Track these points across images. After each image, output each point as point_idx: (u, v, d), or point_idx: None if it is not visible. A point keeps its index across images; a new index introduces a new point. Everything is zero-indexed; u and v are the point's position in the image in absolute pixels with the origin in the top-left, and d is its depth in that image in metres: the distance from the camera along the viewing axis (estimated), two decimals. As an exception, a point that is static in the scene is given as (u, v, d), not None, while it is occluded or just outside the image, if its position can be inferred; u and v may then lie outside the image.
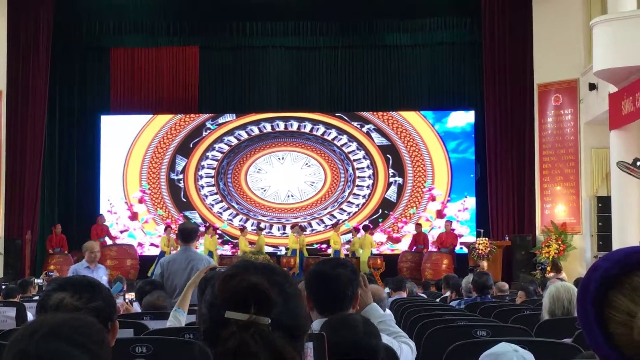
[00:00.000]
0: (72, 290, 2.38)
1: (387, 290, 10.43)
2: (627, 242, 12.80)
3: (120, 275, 12.35)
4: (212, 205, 19.36)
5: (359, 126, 19.27)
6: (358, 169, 19.32)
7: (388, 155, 19.17)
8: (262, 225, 19.10)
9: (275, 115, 19.47)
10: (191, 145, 19.40)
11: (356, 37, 19.68)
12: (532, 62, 17.29)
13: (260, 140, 19.48)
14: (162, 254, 17.44)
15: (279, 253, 18.44)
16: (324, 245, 18.78)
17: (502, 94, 17.70)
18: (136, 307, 6.65)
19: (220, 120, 19.44)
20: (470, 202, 18.89)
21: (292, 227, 18.41)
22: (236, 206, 19.32)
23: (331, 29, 19.68)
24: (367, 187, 19.27)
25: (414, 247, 18.11)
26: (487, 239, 16.70)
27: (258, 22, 19.61)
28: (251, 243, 18.16)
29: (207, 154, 19.43)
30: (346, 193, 19.29)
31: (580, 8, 16.32)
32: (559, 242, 16.40)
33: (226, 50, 19.89)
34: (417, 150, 19.15)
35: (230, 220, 19.23)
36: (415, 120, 19.22)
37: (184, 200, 19.30)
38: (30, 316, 6.29)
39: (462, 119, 19.18)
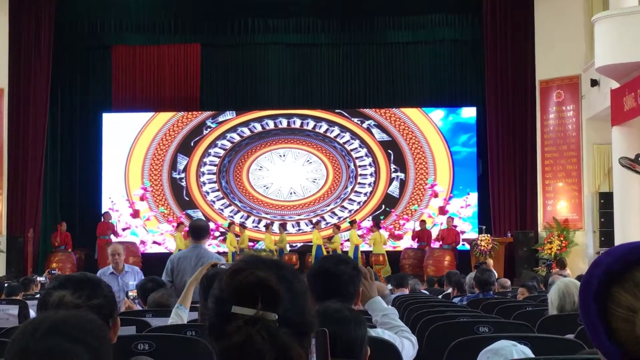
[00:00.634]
0: (72, 288, 2.38)
1: (389, 287, 10.44)
2: (629, 238, 12.78)
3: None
4: (216, 205, 19.34)
5: (359, 122, 19.26)
6: (360, 166, 19.31)
7: (389, 151, 19.17)
8: (264, 222, 19.10)
9: (276, 112, 19.47)
10: (192, 144, 19.39)
11: (358, 34, 19.68)
12: (534, 59, 17.27)
13: (260, 138, 19.48)
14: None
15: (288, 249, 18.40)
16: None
17: (503, 91, 17.69)
18: (138, 305, 6.66)
19: (221, 118, 19.43)
20: (473, 198, 18.88)
21: (315, 224, 18.39)
22: (239, 204, 19.32)
23: (332, 26, 19.68)
24: (369, 184, 19.26)
25: (416, 240, 18.10)
26: (489, 235, 16.69)
27: (259, 19, 19.61)
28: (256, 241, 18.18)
29: (209, 152, 19.42)
30: (349, 189, 19.29)
31: (581, 4, 16.30)
32: (561, 239, 16.39)
33: (228, 48, 19.89)
34: (418, 146, 19.14)
35: (232, 217, 19.22)
36: (416, 116, 19.21)
37: (187, 199, 19.30)
38: (32, 314, 6.29)
39: (463, 116, 19.18)
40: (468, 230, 18.50)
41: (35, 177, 17.89)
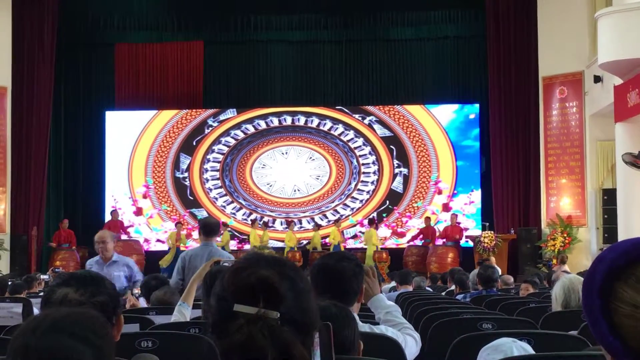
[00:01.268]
0: (76, 285, 2.38)
1: (393, 283, 10.45)
2: (632, 234, 12.76)
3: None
4: (218, 199, 19.36)
5: (360, 118, 19.26)
6: (364, 164, 19.30)
7: (392, 147, 19.17)
8: (265, 219, 19.11)
9: (279, 110, 19.46)
10: (194, 143, 19.40)
11: (360, 31, 19.67)
12: (537, 55, 17.25)
13: (262, 136, 19.48)
14: (177, 249, 17.47)
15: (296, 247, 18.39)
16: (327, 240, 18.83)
17: (506, 87, 17.67)
18: (142, 302, 6.66)
19: (222, 117, 19.43)
20: (476, 195, 18.87)
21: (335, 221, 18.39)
22: (243, 202, 19.33)
23: (335, 23, 19.67)
24: (372, 182, 19.25)
25: (421, 238, 18.09)
26: (492, 232, 16.68)
27: (262, 17, 19.61)
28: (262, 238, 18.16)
29: (211, 150, 19.43)
30: (352, 185, 19.30)
31: (585, 0, 16.27)
32: (565, 235, 16.38)
33: (231, 45, 19.89)
34: (420, 141, 19.14)
35: (234, 214, 19.22)
36: (419, 113, 19.20)
37: (191, 198, 19.31)
38: (36, 312, 6.30)
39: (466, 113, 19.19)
40: (472, 227, 18.48)
41: (39, 175, 17.91)
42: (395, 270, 13.28)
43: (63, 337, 1.55)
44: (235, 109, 19.49)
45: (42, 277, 11.69)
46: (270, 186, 19.39)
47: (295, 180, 19.35)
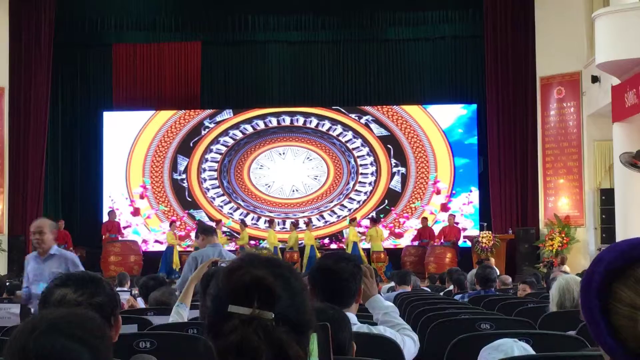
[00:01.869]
0: (74, 286, 2.38)
1: (391, 284, 10.44)
2: (630, 235, 12.77)
3: (123, 271, 12.36)
4: (217, 203, 19.33)
5: (357, 118, 19.26)
6: (361, 165, 19.29)
7: (389, 146, 19.17)
8: (271, 220, 19.09)
9: (274, 110, 19.43)
10: (191, 145, 19.38)
11: (358, 31, 19.66)
12: (535, 55, 17.26)
13: (259, 137, 19.47)
14: (171, 249, 17.50)
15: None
16: (326, 240, 18.80)
17: (504, 87, 17.67)
18: (140, 303, 6.66)
19: (218, 118, 19.41)
20: (475, 195, 18.88)
21: (306, 224, 18.35)
22: (242, 204, 19.31)
23: (333, 23, 19.66)
24: (369, 184, 19.25)
25: (419, 241, 18.11)
26: (490, 232, 16.68)
27: (260, 17, 19.60)
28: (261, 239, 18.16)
29: (208, 152, 19.41)
30: (351, 185, 19.30)
31: (582, 0, 16.28)
32: (563, 235, 16.39)
33: (228, 46, 19.88)
34: (417, 140, 19.13)
35: (231, 214, 19.20)
36: (416, 113, 19.20)
37: (189, 199, 19.29)
38: (33, 313, 6.29)
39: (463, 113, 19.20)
40: (470, 227, 18.49)
41: (36, 176, 17.89)
42: (394, 270, 13.28)
43: (60, 338, 1.55)
44: (231, 110, 19.47)
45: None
46: (269, 187, 19.38)
47: (293, 180, 19.35)
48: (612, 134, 14.15)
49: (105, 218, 18.55)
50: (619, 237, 13.55)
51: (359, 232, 18.06)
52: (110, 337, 1.69)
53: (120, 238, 18.06)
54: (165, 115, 19.47)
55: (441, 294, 9.13)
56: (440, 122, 19.11)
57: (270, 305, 1.50)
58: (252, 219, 19.21)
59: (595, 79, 15.32)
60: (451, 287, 9.32)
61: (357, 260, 3.33)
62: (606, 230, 15.60)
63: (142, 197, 19.31)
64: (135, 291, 9.04)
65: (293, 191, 19.35)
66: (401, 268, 16.02)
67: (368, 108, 19.33)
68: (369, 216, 18.75)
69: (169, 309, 4.62)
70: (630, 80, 13.13)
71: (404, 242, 18.71)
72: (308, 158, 19.41)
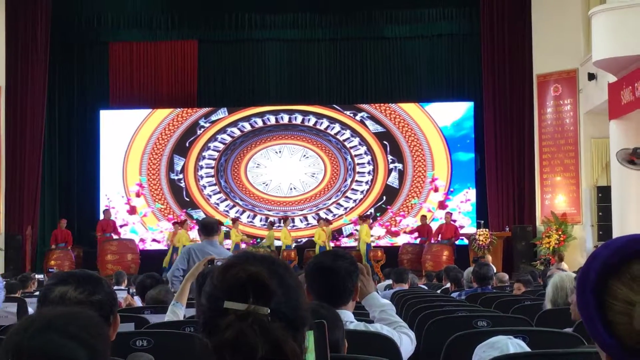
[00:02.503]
0: (74, 284, 2.38)
1: (388, 281, 10.44)
2: (627, 232, 12.75)
3: (121, 269, 12.34)
4: (215, 201, 19.32)
5: (352, 115, 19.26)
6: (359, 163, 19.28)
7: (385, 142, 19.17)
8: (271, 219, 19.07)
9: (272, 108, 19.42)
10: (187, 145, 19.37)
11: (355, 29, 19.66)
12: (531, 53, 17.27)
13: (254, 136, 19.46)
14: (175, 249, 17.41)
15: (293, 245, 18.31)
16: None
17: (501, 85, 17.69)
18: (137, 301, 6.66)
19: (213, 117, 19.40)
20: (471, 193, 18.89)
21: (318, 221, 18.29)
22: (240, 202, 19.30)
23: (330, 21, 19.65)
24: (366, 183, 19.25)
25: (416, 237, 18.12)
26: (487, 230, 16.69)
27: (257, 15, 19.59)
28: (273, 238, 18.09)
29: (204, 152, 19.39)
30: (348, 182, 19.30)
31: (579, -2, 16.29)
32: (560, 233, 16.40)
33: (225, 44, 19.87)
34: (414, 136, 19.12)
35: (238, 217, 19.17)
36: (412, 110, 19.20)
37: (187, 199, 19.28)
38: (31, 312, 6.28)
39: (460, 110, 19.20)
40: (467, 224, 18.50)
41: (33, 174, 17.88)
42: (390, 268, 13.27)
43: (55, 336, 1.55)
44: (226, 109, 19.43)
45: (36, 276, 11.66)
46: (266, 185, 19.38)
47: (290, 178, 19.34)
48: (608, 132, 14.17)
49: (102, 216, 18.53)
50: (616, 234, 13.56)
51: (356, 230, 18.06)
52: (107, 336, 1.69)
53: (114, 237, 18.02)
54: (162, 113, 19.46)
55: (438, 291, 9.13)
56: (437, 119, 19.11)
57: (265, 301, 1.51)
58: (248, 217, 19.20)
59: (591, 77, 15.33)
60: (448, 285, 9.33)
61: (354, 258, 3.33)
62: (603, 227, 15.62)
63: (138, 195, 19.30)
64: (133, 290, 9.04)
65: (291, 189, 19.35)
66: (398, 266, 16.01)
67: (364, 105, 19.34)
68: (362, 215, 18.75)
69: (166, 308, 4.61)
70: (626, 77, 13.14)
71: (401, 240, 18.71)
72: (304, 156, 19.41)
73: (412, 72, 19.67)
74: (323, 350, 1.68)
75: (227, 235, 17.48)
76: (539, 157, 17.25)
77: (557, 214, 16.68)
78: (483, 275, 7.42)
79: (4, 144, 17.45)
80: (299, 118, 19.40)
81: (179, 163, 19.36)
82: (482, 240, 16.22)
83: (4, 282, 6.41)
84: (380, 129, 19.18)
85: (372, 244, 17.82)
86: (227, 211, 19.19)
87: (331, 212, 19.19)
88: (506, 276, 9.50)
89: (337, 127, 19.30)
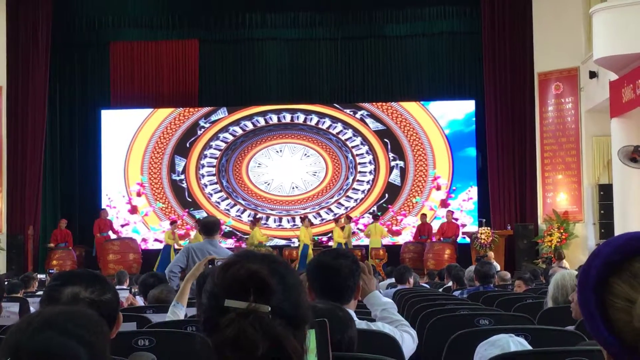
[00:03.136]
0: (84, 284, 2.38)
1: (391, 280, 10.44)
2: (629, 230, 12.63)
3: (122, 269, 12.34)
4: (217, 201, 19.32)
5: (351, 113, 19.25)
6: (360, 161, 19.28)
7: (385, 140, 19.17)
8: (267, 218, 19.08)
9: (272, 107, 19.42)
10: (188, 145, 19.37)
11: (356, 28, 19.65)
12: (532, 51, 17.26)
13: (255, 135, 19.45)
14: (167, 247, 17.45)
15: (292, 245, 18.32)
16: (324, 238, 18.79)
17: (502, 83, 17.68)
18: (139, 301, 6.66)
19: (213, 117, 19.40)
20: (474, 191, 18.89)
21: (302, 220, 18.27)
22: (243, 202, 19.30)
23: (330, 20, 19.64)
24: (368, 182, 19.25)
25: (418, 237, 18.12)
26: (489, 228, 16.68)
27: (257, 14, 19.58)
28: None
29: (206, 150, 19.40)
30: (350, 180, 19.30)
31: (580, -4, 16.28)
32: (561, 231, 16.40)
33: (226, 43, 19.86)
34: (415, 134, 19.12)
35: (239, 216, 19.18)
36: (413, 109, 19.19)
37: (189, 200, 19.28)
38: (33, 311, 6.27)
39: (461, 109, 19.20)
40: (469, 223, 18.49)
41: (35, 174, 17.88)
42: (392, 267, 13.26)
43: (54, 335, 1.55)
44: (225, 109, 19.42)
45: (38, 276, 11.67)
46: (268, 185, 19.38)
47: (292, 177, 19.35)
48: (610, 130, 14.16)
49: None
50: (618, 232, 13.55)
51: (359, 230, 18.07)
52: (107, 334, 1.68)
53: (112, 236, 18.02)
54: (163, 113, 19.46)
55: (440, 290, 9.13)
56: (438, 118, 19.11)
57: (266, 299, 1.51)
58: (249, 216, 19.20)
59: (593, 75, 15.33)
60: (450, 283, 9.32)
61: (355, 257, 3.33)
62: (605, 225, 15.61)
63: (139, 194, 19.30)
64: (135, 289, 9.05)
65: (293, 188, 19.35)
66: (400, 264, 16.00)
67: (365, 104, 19.34)
68: (370, 211, 18.78)
69: (168, 307, 4.62)
70: (627, 75, 13.13)
71: (402, 239, 18.71)
72: (305, 154, 19.41)
73: (413, 70, 19.65)
74: (325, 349, 1.68)
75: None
76: (541, 155, 17.24)
77: (558, 212, 16.68)
78: (485, 274, 7.42)
79: (6, 144, 17.47)
80: (301, 117, 19.40)
81: (180, 164, 19.36)
82: (484, 239, 16.21)
83: None
84: (380, 126, 19.18)
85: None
86: (228, 210, 19.19)
87: (333, 210, 19.19)
88: (508, 274, 9.48)
89: (340, 127, 19.30)
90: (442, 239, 17.57)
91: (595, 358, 2.59)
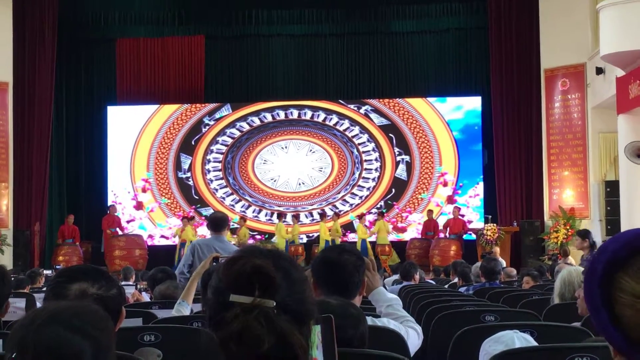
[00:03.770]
0: (91, 280, 2.39)
1: (396, 277, 10.44)
2: (635, 226, 12.65)
3: (128, 265, 12.36)
4: (224, 199, 19.33)
5: (356, 108, 19.24)
6: (366, 160, 19.28)
7: (390, 135, 19.16)
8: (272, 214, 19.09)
9: (278, 104, 19.44)
10: (193, 143, 19.38)
11: (362, 24, 19.64)
12: (539, 47, 17.23)
13: (259, 132, 19.46)
14: (183, 245, 17.44)
15: (300, 241, 18.32)
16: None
17: (508, 80, 17.65)
18: (145, 297, 6.67)
19: (217, 115, 19.40)
20: (480, 188, 18.87)
21: (321, 217, 18.31)
22: (250, 199, 19.31)
23: (336, 17, 19.64)
24: (374, 178, 19.25)
25: (425, 234, 18.11)
26: (495, 224, 16.67)
27: (263, 11, 19.60)
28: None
29: (211, 149, 19.40)
30: (356, 175, 19.30)
31: (586, -8, 16.24)
32: (567, 227, 16.37)
33: (232, 40, 19.88)
34: (420, 129, 19.11)
35: (244, 211, 19.19)
36: (419, 105, 19.18)
37: (196, 197, 19.30)
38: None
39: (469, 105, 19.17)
40: (476, 219, 18.48)
41: (41, 170, 17.92)
42: (398, 263, 13.27)
43: (60, 330, 1.55)
44: (229, 106, 19.42)
45: (45, 272, 11.69)
46: (275, 181, 19.39)
47: (298, 173, 19.36)
48: (616, 126, 14.13)
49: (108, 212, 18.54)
50: (624, 228, 13.42)
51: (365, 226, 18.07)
52: (112, 329, 1.69)
53: (120, 232, 18.04)
54: (169, 109, 19.49)
55: (446, 286, 9.12)
56: (444, 114, 19.09)
57: (271, 294, 1.51)
58: (262, 214, 19.23)
59: (599, 71, 15.29)
60: (456, 280, 9.31)
61: (360, 253, 3.33)
62: (611, 222, 15.58)
63: (144, 190, 19.32)
64: (140, 285, 9.07)
65: (300, 184, 19.36)
66: (406, 260, 16.00)
67: (369, 100, 19.33)
68: (377, 207, 18.78)
69: (174, 303, 4.62)
70: (634, 71, 13.10)
71: (407, 236, 18.70)
72: (311, 150, 19.41)
73: (419, 67, 19.64)
74: (331, 344, 1.67)
75: (233, 232, 17.49)
76: (547, 151, 17.21)
77: (565, 209, 16.65)
78: (491, 270, 7.42)
79: (12, 140, 17.50)
80: (309, 114, 19.40)
81: (186, 162, 19.38)
82: (490, 235, 16.20)
83: None
84: (385, 121, 19.17)
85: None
86: (232, 205, 19.20)
87: (336, 207, 19.19)
88: (514, 271, 9.49)
89: (347, 124, 19.29)
90: (448, 235, 17.56)
91: (602, 354, 2.59)
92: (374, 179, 19.27)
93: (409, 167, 19.13)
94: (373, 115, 19.21)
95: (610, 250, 1.44)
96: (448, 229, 17.68)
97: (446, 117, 19.07)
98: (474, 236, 17.22)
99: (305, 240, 18.48)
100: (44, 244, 17.90)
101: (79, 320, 1.59)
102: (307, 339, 1.56)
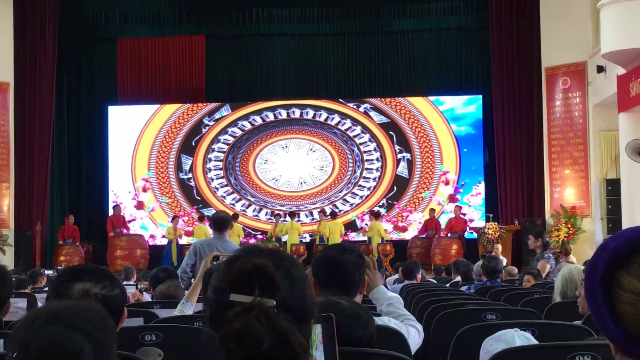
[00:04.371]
0: (94, 280, 2.39)
1: (397, 276, 10.44)
2: (636, 224, 12.65)
3: (130, 265, 12.37)
4: (223, 196, 19.33)
5: (355, 106, 19.23)
6: (367, 159, 19.27)
7: (391, 132, 19.15)
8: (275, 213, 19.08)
9: (278, 103, 19.42)
10: (193, 144, 19.38)
11: (362, 23, 19.63)
12: (540, 46, 17.21)
13: (259, 132, 19.45)
14: (169, 242, 17.48)
15: (303, 240, 18.30)
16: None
17: (509, 78, 17.64)
18: (146, 297, 6.67)
19: (217, 115, 19.40)
20: (482, 187, 18.86)
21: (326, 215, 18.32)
22: (252, 199, 19.31)
23: (337, 16, 19.63)
24: (376, 175, 19.24)
25: (425, 233, 18.08)
26: (496, 223, 16.65)
27: (264, 10, 19.60)
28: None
29: (212, 146, 19.39)
30: (358, 173, 19.29)
31: (587, -10, 16.23)
32: (569, 226, 16.37)
33: (232, 39, 19.88)
34: (420, 127, 19.09)
35: (244, 210, 19.19)
36: (420, 103, 19.16)
37: (198, 198, 19.29)
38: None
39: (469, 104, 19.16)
40: (477, 218, 18.47)
41: (42, 170, 17.92)
42: (400, 262, 13.25)
43: (61, 329, 1.55)
44: (229, 106, 19.41)
45: (46, 272, 11.70)
46: (276, 181, 19.38)
47: (300, 173, 19.35)
48: (617, 124, 14.12)
49: (112, 212, 18.54)
50: (625, 227, 13.41)
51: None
52: (113, 328, 1.69)
53: (125, 232, 18.05)
54: (170, 108, 19.49)
55: (447, 285, 9.12)
56: (445, 113, 19.08)
57: (271, 293, 1.51)
58: (262, 213, 19.24)
59: (600, 69, 15.28)
60: (457, 279, 9.31)
61: (360, 251, 3.33)
62: (612, 220, 15.57)
63: (145, 189, 19.32)
64: (141, 285, 9.07)
65: (301, 183, 19.35)
66: (407, 259, 15.99)
67: (370, 98, 19.32)
68: (378, 206, 18.78)
69: (175, 302, 4.62)
70: (635, 70, 13.09)
71: (408, 235, 18.69)
72: (311, 149, 19.41)
73: (420, 66, 19.64)
74: (331, 344, 1.67)
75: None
76: (548, 150, 17.20)
77: (566, 207, 16.65)
78: (492, 269, 7.42)
79: (13, 140, 17.50)
80: (311, 113, 19.39)
81: (187, 162, 19.37)
82: (492, 234, 16.19)
83: None
84: (384, 119, 19.17)
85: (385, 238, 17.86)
86: (233, 204, 19.19)
87: (336, 206, 19.18)
88: (515, 269, 9.49)
89: (348, 123, 19.28)
90: (449, 234, 17.55)
91: (603, 353, 2.58)
92: (374, 179, 19.26)
93: (410, 165, 19.12)
94: (373, 113, 19.20)
95: (612, 248, 1.44)
96: (450, 228, 17.65)
97: (447, 116, 19.06)
98: (475, 235, 17.21)
99: (307, 239, 18.45)
100: (45, 244, 17.90)
101: (80, 320, 1.59)
102: (308, 338, 1.56)
